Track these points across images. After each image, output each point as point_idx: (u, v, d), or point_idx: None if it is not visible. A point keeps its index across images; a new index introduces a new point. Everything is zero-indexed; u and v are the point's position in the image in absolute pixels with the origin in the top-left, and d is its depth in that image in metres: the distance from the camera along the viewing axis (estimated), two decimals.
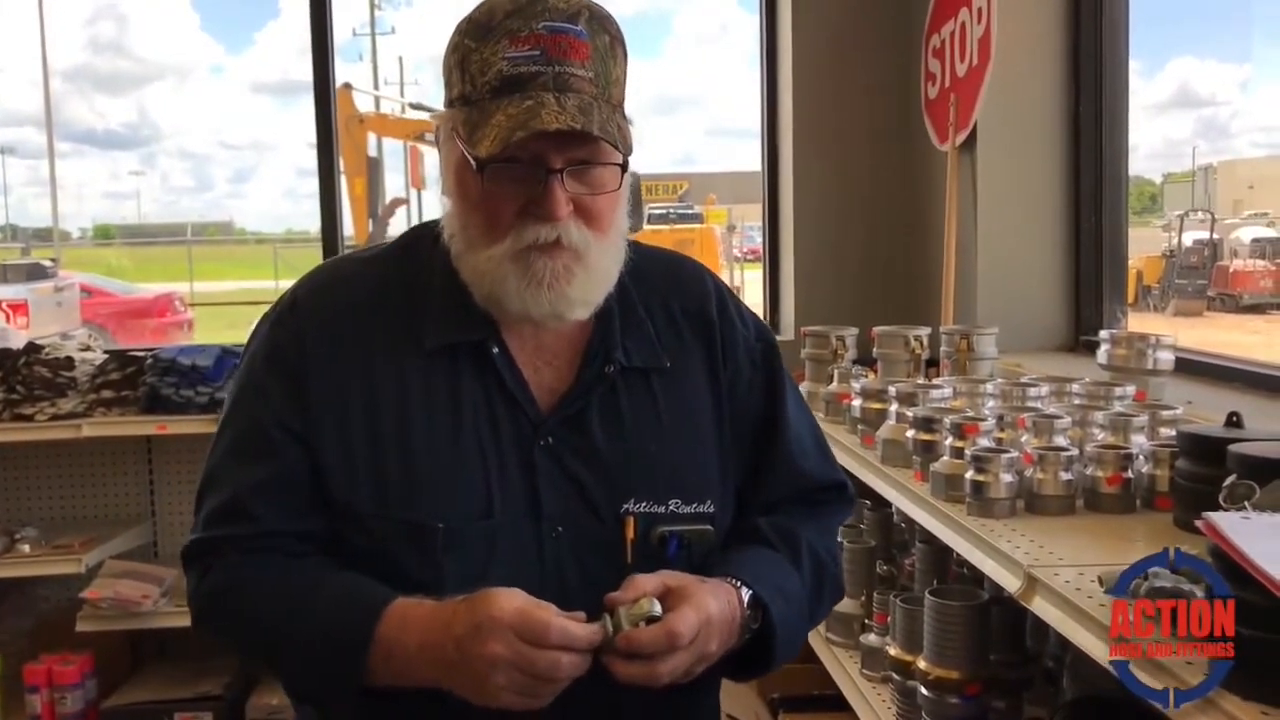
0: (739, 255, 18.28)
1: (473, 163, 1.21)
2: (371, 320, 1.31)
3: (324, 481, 1.27)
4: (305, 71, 3.92)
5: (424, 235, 1.37)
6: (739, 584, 1.27)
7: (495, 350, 1.30)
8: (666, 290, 1.39)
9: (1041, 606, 1.44)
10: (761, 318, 1.49)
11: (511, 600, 1.15)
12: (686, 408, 1.36)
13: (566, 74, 1.19)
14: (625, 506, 1.30)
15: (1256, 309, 12.79)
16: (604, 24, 1.24)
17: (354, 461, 1.27)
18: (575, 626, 1.15)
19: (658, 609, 1.17)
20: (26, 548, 3.42)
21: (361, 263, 1.40)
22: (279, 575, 1.27)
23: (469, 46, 1.22)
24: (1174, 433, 1.77)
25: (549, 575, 1.25)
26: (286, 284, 1.49)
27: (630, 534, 1.29)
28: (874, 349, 2.73)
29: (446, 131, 1.27)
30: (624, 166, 1.25)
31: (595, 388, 1.32)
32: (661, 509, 1.31)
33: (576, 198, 1.23)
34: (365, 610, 1.20)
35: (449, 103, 1.26)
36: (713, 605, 1.21)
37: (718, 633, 1.22)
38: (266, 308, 1.40)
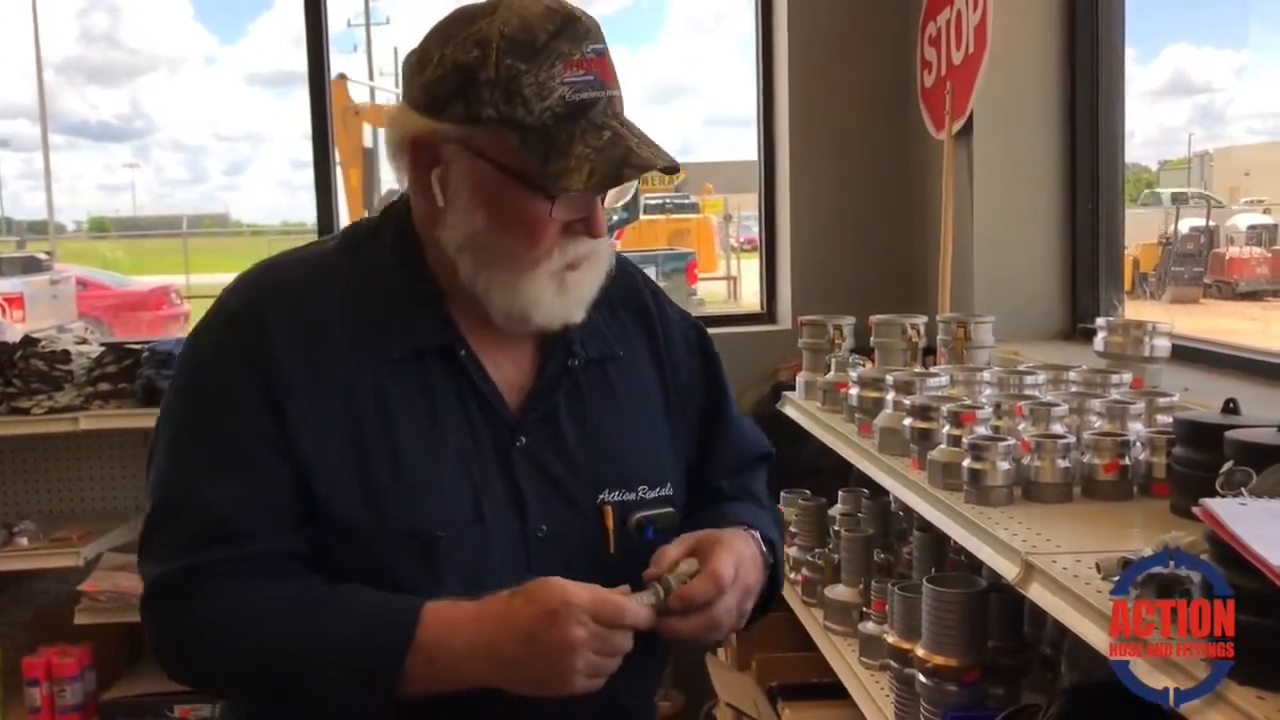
0: (736, 245, 18.27)
1: (546, 190, 1.19)
2: (337, 325, 1.26)
3: (313, 495, 1.22)
4: (299, 62, 3.90)
5: (362, 235, 1.35)
6: (744, 527, 1.35)
7: (462, 353, 1.29)
8: (604, 283, 1.39)
9: (1039, 593, 1.44)
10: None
11: (578, 587, 1.18)
12: (641, 394, 1.40)
13: (615, 98, 1.23)
14: (601, 497, 1.32)
15: (1253, 296, 12.75)
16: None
17: (342, 473, 1.23)
18: (638, 606, 1.20)
19: (696, 565, 1.24)
20: (25, 541, 3.41)
21: (310, 265, 1.33)
22: (283, 595, 1.20)
23: (517, 68, 1.18)
24: (1171, 419, 1.77)
25: (536, 574, 1.22)
26: None
27: (610, 524, 1.32)
28: (871, 338, 2.73)
29: (458, 148, 1.22)
30: None
31: (561, 383, 1.33)
32: (632, 496, 1.34)
33: None
34: (398, 619, 1.18)
35: (467, 119, 1.20)
36: (738, 543, 1.29)
37: (751, 565, 1.30)
38: None
